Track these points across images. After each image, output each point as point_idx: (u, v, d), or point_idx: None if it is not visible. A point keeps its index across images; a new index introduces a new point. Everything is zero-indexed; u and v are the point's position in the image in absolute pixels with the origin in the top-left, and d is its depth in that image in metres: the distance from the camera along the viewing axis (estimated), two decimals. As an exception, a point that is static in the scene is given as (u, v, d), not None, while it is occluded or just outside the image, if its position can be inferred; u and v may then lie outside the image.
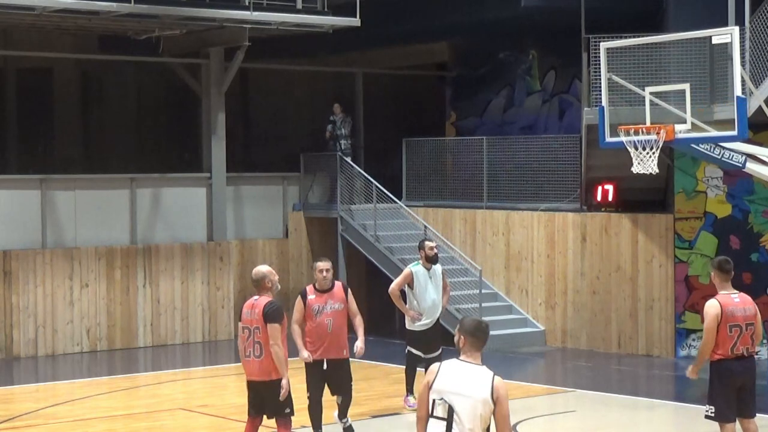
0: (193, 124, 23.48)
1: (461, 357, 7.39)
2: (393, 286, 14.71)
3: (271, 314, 10.78)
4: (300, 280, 22.17)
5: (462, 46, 24.47)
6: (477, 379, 7.27)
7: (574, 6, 18.93)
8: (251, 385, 11.05)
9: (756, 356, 11.53)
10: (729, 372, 11.02)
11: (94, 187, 21.10)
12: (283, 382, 10.84)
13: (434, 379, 7.33)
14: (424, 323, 14.60)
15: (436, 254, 14.72)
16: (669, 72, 16.25)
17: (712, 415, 11.11)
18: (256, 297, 11.06)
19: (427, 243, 14.77)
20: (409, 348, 14.74)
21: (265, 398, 10.94)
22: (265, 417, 11.16)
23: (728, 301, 11.13)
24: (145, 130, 26.47)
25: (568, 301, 20.37)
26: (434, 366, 7.44)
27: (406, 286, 14.66)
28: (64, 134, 25.49)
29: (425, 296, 14.58)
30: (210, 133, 21.91)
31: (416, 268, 14.70)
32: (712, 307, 11.08)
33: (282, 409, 10.94)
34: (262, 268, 11.22)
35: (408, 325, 14.71)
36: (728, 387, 11.04)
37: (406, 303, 14.73)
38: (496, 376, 7.29)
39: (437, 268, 14.77)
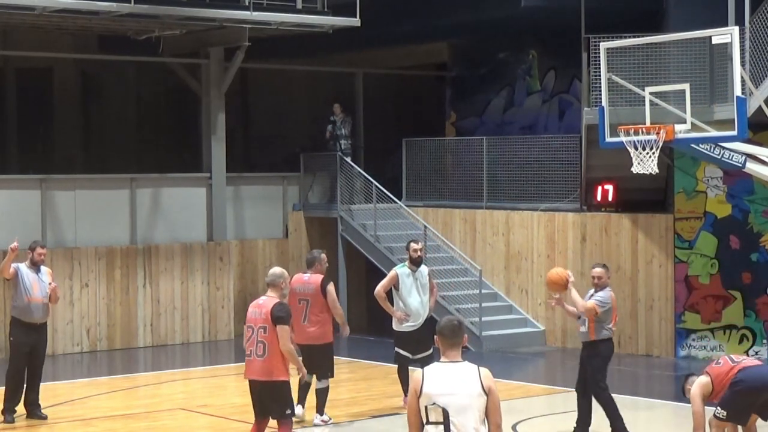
0: (193, 124, 23.49)
1: (442, 358, 7.42)
2: (378, 288, 14.72)
3: (284, 317, 10.81)
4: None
5: (462, 46, 24.46)
6: (464, 376, 7.29)
7: (574, 6, 18.93)
8: (252, 385, 11.05)
9: (756, 356, 11.52)
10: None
11: (94, 187, 21.10)
12: (304, 371, 11.66)
13: (421, 386, 7.31)
14: (411, 324, 14.63)
15: (419, 257, 14.69)
16: (669, 72, 16.24)
17: (723, 417, 10.96)
18: (263, 297, 11.06)
19: (412, 244, 14.76)
20: (396, 349, 14.77)
21: (265, 399, 10.95)
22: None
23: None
24: (145, 130, 26.48)
25: (568, 301, 20.34)
26: (417, 373, 7.42)
27: (393, 287, 14.68)
28: (64, 134, 25.50)
29: (411, 297, 14.61)
30: (210, 133, 21.91)
31: (401, 269, 14.73)
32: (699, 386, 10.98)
33: (283, 411, 10.97)
34: (278, 269, 11.32)
35: (395, 326, 14.75)
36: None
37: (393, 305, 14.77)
38: (481, 368, 7.33)
39: (423, 269, 14.78)
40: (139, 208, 21.35)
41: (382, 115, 25.42)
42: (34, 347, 14.38)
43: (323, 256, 14.18)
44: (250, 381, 11.05)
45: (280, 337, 10.76)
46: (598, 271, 13.13)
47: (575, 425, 13.24)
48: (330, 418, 14.16)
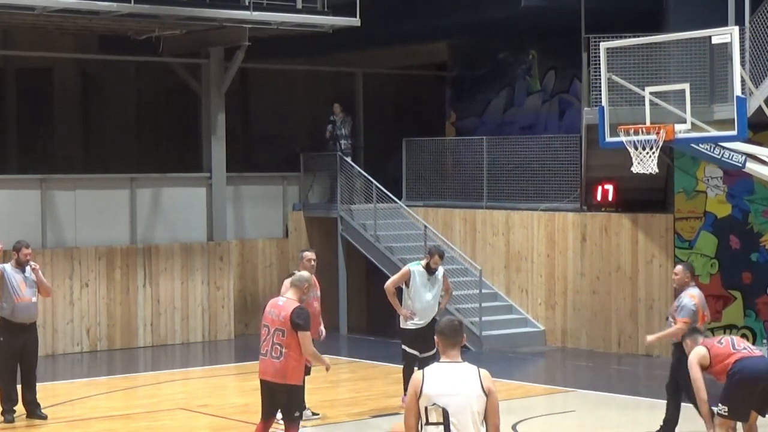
0: (193, 124, 23.49)
1: (442, 358, 7.42)
2: (389, 283, 14.75)
3: (303, 324, 10.75)
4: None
5: (462, 46, 24.46)
6: (464, 376, 7.30)
7: (574, 6, 18.93)
8: (264, 384, 10.98)
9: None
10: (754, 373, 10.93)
11: (94, 187, 21.09)
12: (328, 362, 11.28)
13: (421, 386, 7.30)
14: (417, 322, 14.63)
15: (436, 269, 14.79)
16: (669, 72, 16.24)
17: (726, 414, 10.97)
18: (283, 297, 11.00)
19: (436, 257, 14.73)
20: (404, 347, 14.77)
21: (278, 400, 10.90)
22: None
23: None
24: (145, 130, 26.48)
25: (568, 301, 20.38)
26: (417, 374, 7.42)
27: (403, 284, 14.68)
28: (64, 134, 25.50)
29: (421, 296, 14.62)
30: (210, 133, 21.91)
31: (415, 267, 14.73)
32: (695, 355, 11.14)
33: (292, 413, 10.92)
34: (305, 273, 11.45)
35: (402, 324, 14.75)
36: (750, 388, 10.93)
37: (401, 301, 14.76)
38: (481, 369, 7.34)
39: (439, 269, 14.81)
40: (139, 208, 21.35)
41: (382, 115, 25.42)
42: (24, 347, 14.35)
43: (306, 254, 14.12)
44: (262, 380, 10.99)
45: (303, 344, 10.72)
46: (676, 269, 13.39)
47: (661, 424, 13.13)
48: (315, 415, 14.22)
